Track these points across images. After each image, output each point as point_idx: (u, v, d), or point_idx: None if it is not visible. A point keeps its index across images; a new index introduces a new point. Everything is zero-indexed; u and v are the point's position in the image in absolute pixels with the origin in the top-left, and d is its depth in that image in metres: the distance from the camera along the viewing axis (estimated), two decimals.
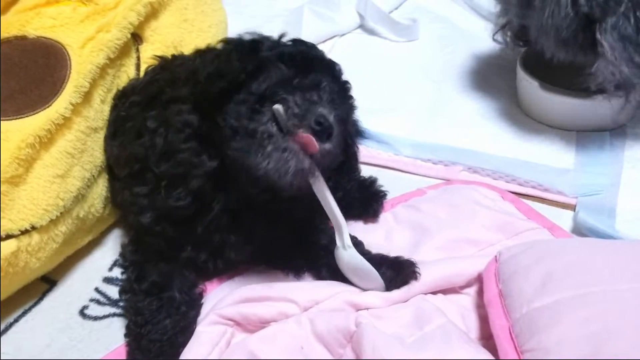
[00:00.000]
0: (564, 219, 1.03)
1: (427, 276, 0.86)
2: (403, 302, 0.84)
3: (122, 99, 1.03)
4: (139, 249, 0.90)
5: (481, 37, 1.45)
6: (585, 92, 1.13)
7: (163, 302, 0.83)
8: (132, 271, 0.89)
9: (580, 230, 0.99)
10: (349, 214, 1.04)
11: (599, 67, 1.06)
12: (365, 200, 1.04)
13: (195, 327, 0.83)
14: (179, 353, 0.79)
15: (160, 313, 0.82)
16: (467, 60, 1.48)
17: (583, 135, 1.20)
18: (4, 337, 0.90)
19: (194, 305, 0.86)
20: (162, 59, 1.04)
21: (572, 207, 1.05)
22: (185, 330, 0.81)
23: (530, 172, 1.13)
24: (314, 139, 0.74)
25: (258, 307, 0.83)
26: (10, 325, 0.92)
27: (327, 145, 0.77)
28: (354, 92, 1.37)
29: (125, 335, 0.85)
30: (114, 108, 1.04)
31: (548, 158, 1.17)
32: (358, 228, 1.02)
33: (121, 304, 0.92)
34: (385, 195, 1.06)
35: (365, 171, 1.10)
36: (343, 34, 1.63)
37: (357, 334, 0.77)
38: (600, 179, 1.10)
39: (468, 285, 0.89)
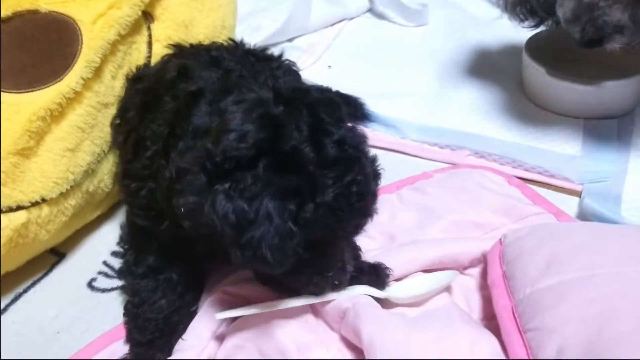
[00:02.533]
0: (570, 205, 1.03)
1: (432, 252, 0.87)
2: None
3: (133, 84, 1.03)
4: (135, 233, 0.90)
5: (490, 23, 1.45)
6: (592, 79, 1.13)
7: (159, 283, 0.83)
8: (130, 254, 0.89)
9: (585, 216, 1.00)
10: None
11: None
12: None
13: (195, 307, 0.84)
14: (175, 331, 0.80)
15: (156, 293, 0.83)
16: (476, 46, 1.48)
17: (590, 122, 1.21)
18: (13, 307, 0.92)
19: (193, 286, 0.86)
20: (178, 47, 1.05)
21: (578, 194, 1.06)
22: (181, 309, 0.82)
23: (537, 158, 1.13)
24: None
25: None
26: (20, 295, 0.93)
27: None
28: (361, 77, 1.39)
29: (123, 315, 0.86)
30: (126, 93, 1.03)
31: (555, 144, 1.17)
32: None
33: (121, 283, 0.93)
34: (379, 175, 1.06)
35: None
36: (352, 18, 1.64)
37: (354, 310, 0.77)
38: (606, 166, 1.10)
39: (472, 265, 0.89)
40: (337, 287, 0.78)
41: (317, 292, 0.77)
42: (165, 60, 1.02)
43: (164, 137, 0.81)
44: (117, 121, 1.00)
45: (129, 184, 0.88)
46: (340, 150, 0.68)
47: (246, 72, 0.96)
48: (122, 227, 0.95)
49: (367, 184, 0.70)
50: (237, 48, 1.08)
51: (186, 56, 0.99)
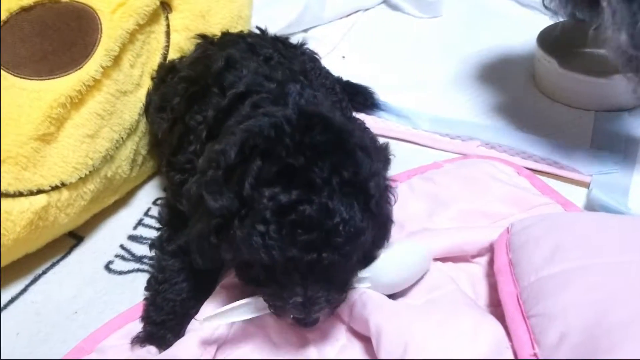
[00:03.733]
0: (578, 196, 1.04)
1: (440, 242, 0.88)
2: None
3: (170, 73, 1.05)
4: (173, 213, 0.91)
5: (503, 14, 1.45)
6: (603, 71, 1.14)
7: (185, 265, 0.85)
8: (165, 230, 0.92)
9: (593, 207, 1.01)
10: None
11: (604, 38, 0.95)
12: None
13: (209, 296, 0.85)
14: (187, 315, 0.82)
15: (180, 275, 0.85)
16: (489, 38, 1.49)
17: (601, 115, 1.21)
18: (34, 287, 0.95)
19: (213, 275, 0.87)
20: (204, 37, 1.08)
21: (586, 185, 1.07)
22: (199, 296, 0.84)
23: (547, 150, 1.14)
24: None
25: None
26: (39, 276, 0.97)
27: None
28: (375, 67, 1.40)
29: (145, 289, 0.88)
30: (161, 82, 1.06)
31: (565, 136, 1.18)
32: None
33: (146, 260, 0.96)
34: (389, 162, 1.07)
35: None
36: (367, 9, 1.65)
37: (361, 301, 0.79)
38: (616, 158, 1.11)
39: (479, 254, 0.91)
40: (299, 322, 0.75)
41: (277, 314, 0.75)
42: (203, 49, 1.04)
43: (203, 138, 0.84)
44: (159, 104, 1.02)
45: (173, 175, 0.90)
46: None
47: (282, 59, 0.98)
48: (160, 206, 0.98)
49: (319, 218, 0.65)
50: (265, 35, 1.10)
51: (225, 44, 1.01)
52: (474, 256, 0.91)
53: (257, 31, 1.12)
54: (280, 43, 1.08)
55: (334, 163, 0.67)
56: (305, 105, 0.80)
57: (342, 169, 0.68)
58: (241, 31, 1.12)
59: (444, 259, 0.89)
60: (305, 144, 0.68)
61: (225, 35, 1.07)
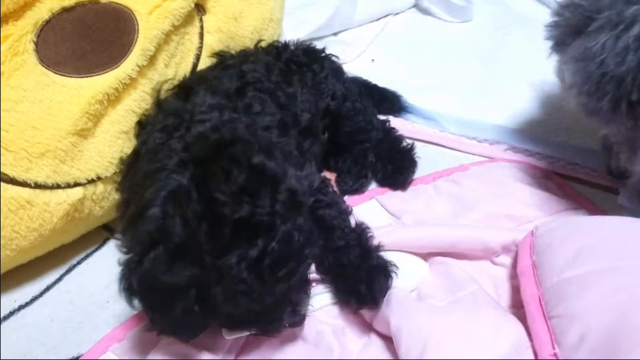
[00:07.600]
0: (606, 201, 1.04)
1: (461, 230, 0.91)
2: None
3: None
4: None
5: (534, 20, 1.44)
6: None
7: None
8: None
9: (621, 212, 1.00)
10: (382, 183, 1.10)
11: None
12: (395, 171, 1.09)
13: None
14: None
15: None
16: (519, 43, 1.49)
17: None
18: (68, 277, 0.99)
19: None
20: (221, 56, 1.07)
21: (615, 191, 1.06)
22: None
23: (575, 155, 1.14)
24: None
25: None
26: (74, 267, 1.00)
27: None
28: (404, 71, 1.42)
29: None
30: None
31: (595, 141, 1.17)
32: (397, 198, 1.06)
33: None
34: (415, 164, 1.10)
35: None
36: (397, 13, 1.66)
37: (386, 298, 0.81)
38: None
39: (502, 252, 0.91)
40: (295, 325, 0.79)
41: (275, 334, 0.79)
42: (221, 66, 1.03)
43: None
44: None
45: None
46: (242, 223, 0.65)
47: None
48: None
49: (286, 246, 0.67)
50: (279, 56, 1.08)
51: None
52: (497, 254, 0.92)
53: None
54: (302, 50, 1.09)
55: (267, 195, 0.68)
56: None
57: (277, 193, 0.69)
58: (260, 47, 1.12)
59: (465, 258, 0.91)
60: (235, 190, 0.67)
61: (239, 59, 1.04)
